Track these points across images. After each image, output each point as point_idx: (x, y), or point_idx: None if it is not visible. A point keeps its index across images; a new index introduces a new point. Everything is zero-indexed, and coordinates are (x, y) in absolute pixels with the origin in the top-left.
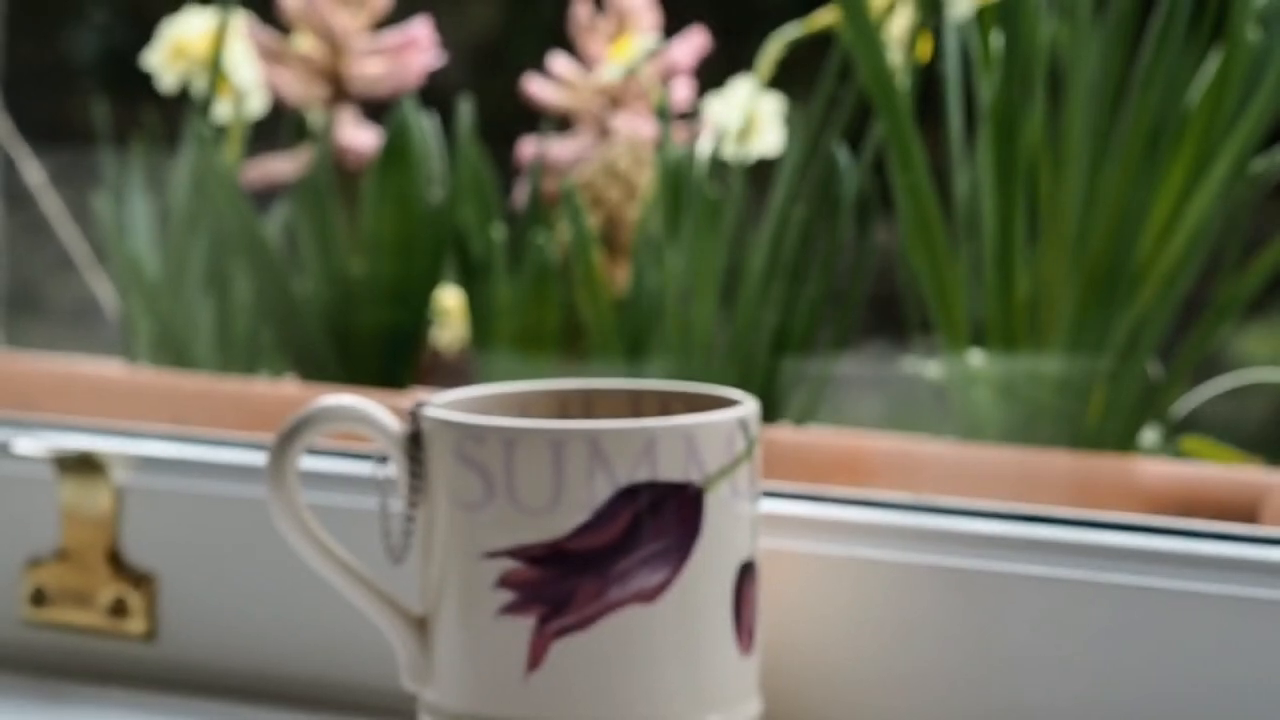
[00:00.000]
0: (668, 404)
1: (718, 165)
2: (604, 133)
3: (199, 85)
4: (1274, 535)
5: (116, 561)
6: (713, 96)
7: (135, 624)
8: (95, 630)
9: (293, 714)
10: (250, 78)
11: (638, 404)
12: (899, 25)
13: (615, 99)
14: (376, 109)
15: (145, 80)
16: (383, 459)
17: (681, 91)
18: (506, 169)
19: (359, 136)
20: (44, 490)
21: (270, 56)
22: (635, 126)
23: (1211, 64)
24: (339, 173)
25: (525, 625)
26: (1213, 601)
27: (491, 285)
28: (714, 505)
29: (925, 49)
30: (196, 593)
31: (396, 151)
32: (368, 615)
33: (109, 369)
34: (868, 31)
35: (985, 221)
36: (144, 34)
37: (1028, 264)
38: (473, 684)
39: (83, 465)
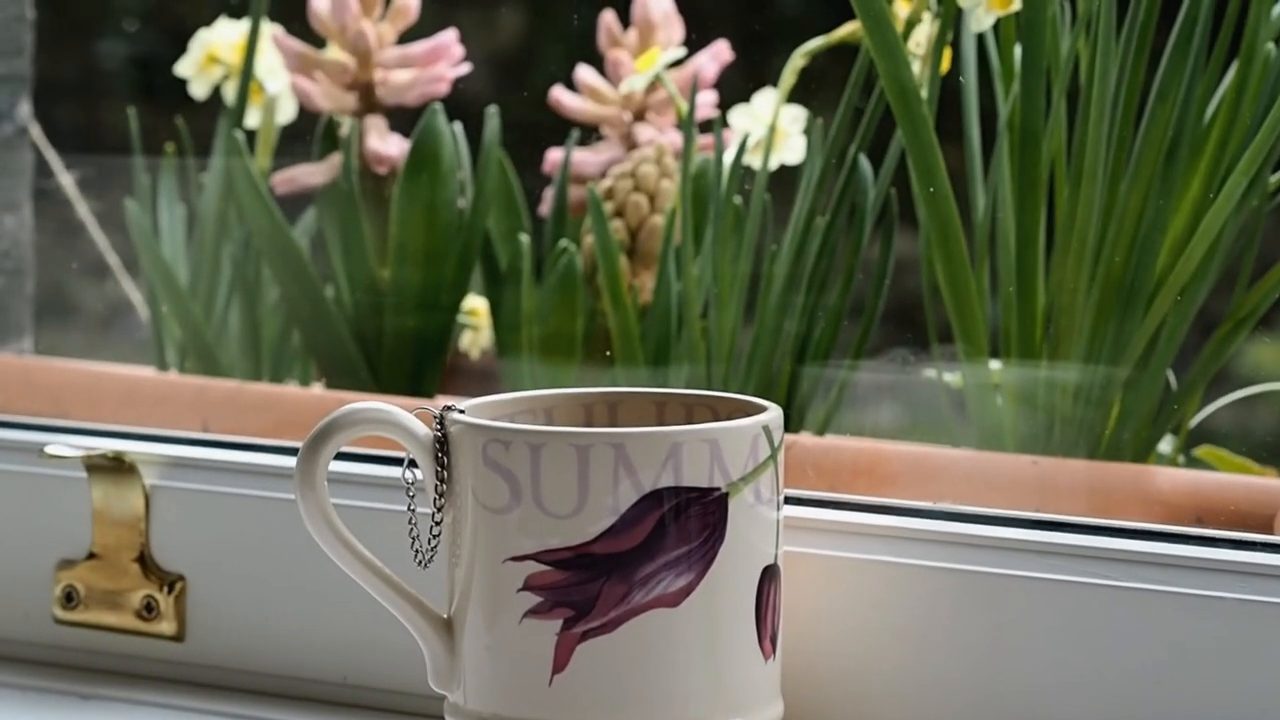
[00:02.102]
0: (692, 410)
1: (741, 175)
2: (629, 143)
3: (230, 93)
4: None
5: (146, 563)
6: (736, 107)
7: (165, 625)
8: (125, 631)
9: (320, 714)
10: (280, 86)
11: (662, 410)
12: (921, 37)
13: (640, 109)
14: (404, 117)
15: (177, 88)
16: (410, 463)
17: (705, 102)
18: (533, 178)
19: (387, 145)
20: (75, 492)
21: (300, 65)
22: (660, 137)
23: (1229, 78)
24: (367, 180)
25: (550, 628)
26: (1228, 607)
27: (517, 292)
28: (738, 510)
29: (946, 61)
30: (225, 594)
31: (424, 160)
32: (395, 617)
33: (139, 374)
34: (890, 43)
35: (1004, 232)
36: (175, 42)
37: (1046, 274)
38: (498, 686)
39: (114, 468)
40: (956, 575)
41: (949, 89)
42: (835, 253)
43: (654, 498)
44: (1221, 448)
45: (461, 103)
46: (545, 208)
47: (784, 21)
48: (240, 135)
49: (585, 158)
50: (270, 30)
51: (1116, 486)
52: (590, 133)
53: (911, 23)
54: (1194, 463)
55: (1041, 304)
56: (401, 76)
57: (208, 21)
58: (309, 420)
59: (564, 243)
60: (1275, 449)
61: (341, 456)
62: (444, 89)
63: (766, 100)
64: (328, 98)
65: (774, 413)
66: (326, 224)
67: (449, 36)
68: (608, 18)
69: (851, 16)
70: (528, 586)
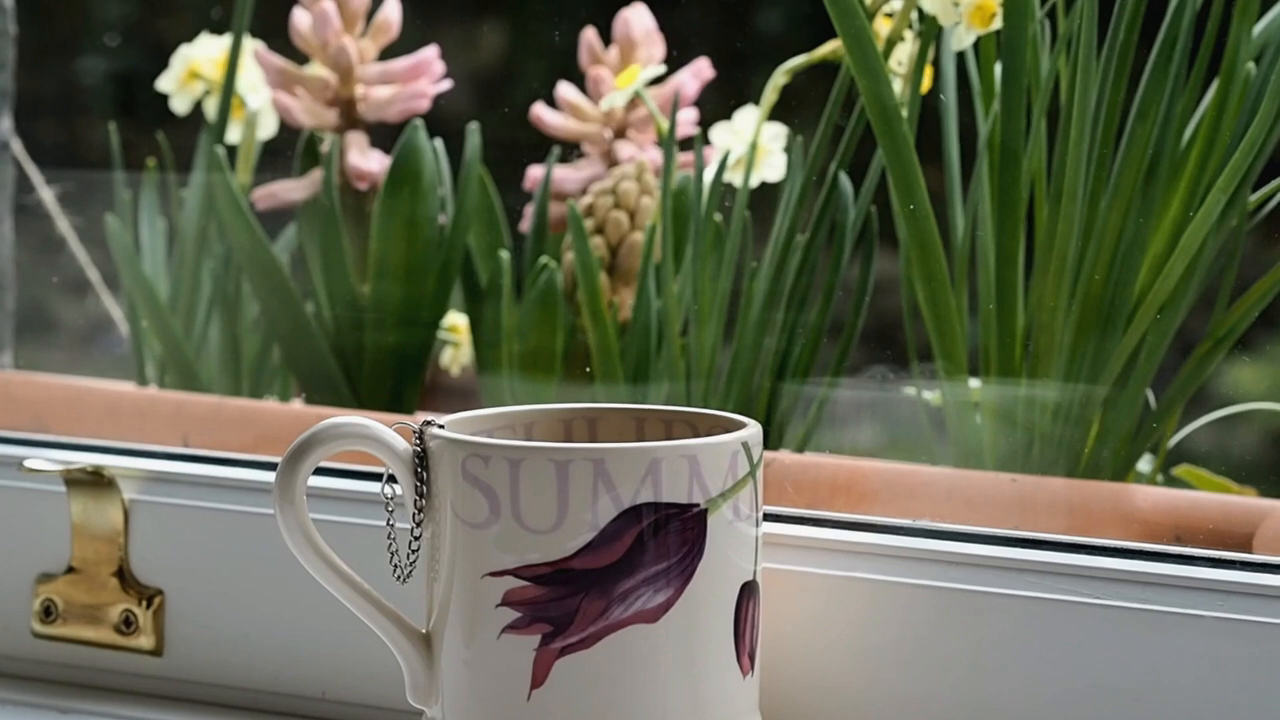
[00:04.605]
0: (671, 426)
1: (721, 192)
2: (610, 160)
3: (211, 109)
4: (1266, 561)
5: (125, 577)
6: (717, 124)
7: (143, 639)
8: (104, 645)
9: None
10: (261, 102)
11: (642, 426)
12: (902, 56)
13: (621, 126)
14: (385, 133)
15: (158, 103)
16: (390, 478)
17: (686, 119)
18: (513, 195)
19: (368, 161)
20: (55, 506)
21: (281, 81)
22: (640, 154)
23: (1209, 97)
24: (348, 196)
25: (529, 644)
26: (1207, 625)
27: (498, 309)
28: (717, 526)
29: (927, 80)
30: (204, 608)
31: (405, 176)
32: (374, 632)
33: (120, 389)
34: (871, 61)
35: (984, 250)
36: (157, 57)
37: (1026, 293)
38: (476, 701)
39: (93, 482)
40: (935, 592)
41: (929, 107)
42: (815, 270)
43: (633, 513)
44: (1200, 466)
45: (442, 119)
46: (526, 224)
47: (765, 39)
48: (221, 151)
49: (566, 174)
50: (252, 46)
51: (1095, 505)
52: (571, 150)
53: (892, 41)
54: (1173, 481)
55: (1021, 322)
56: (383, 92)
57: (189, 37)
58: (289, 435)
59: (544, 259)
60: (1254, 468)
61: (321, 471)
62: (425, 105)
63: (747, 118)
64: (309, 113)
65: (753, 429)
66: (307, 240)
67: (430, 53)
68: (589, 35)
69: (832, 35)
70: (506, 602)
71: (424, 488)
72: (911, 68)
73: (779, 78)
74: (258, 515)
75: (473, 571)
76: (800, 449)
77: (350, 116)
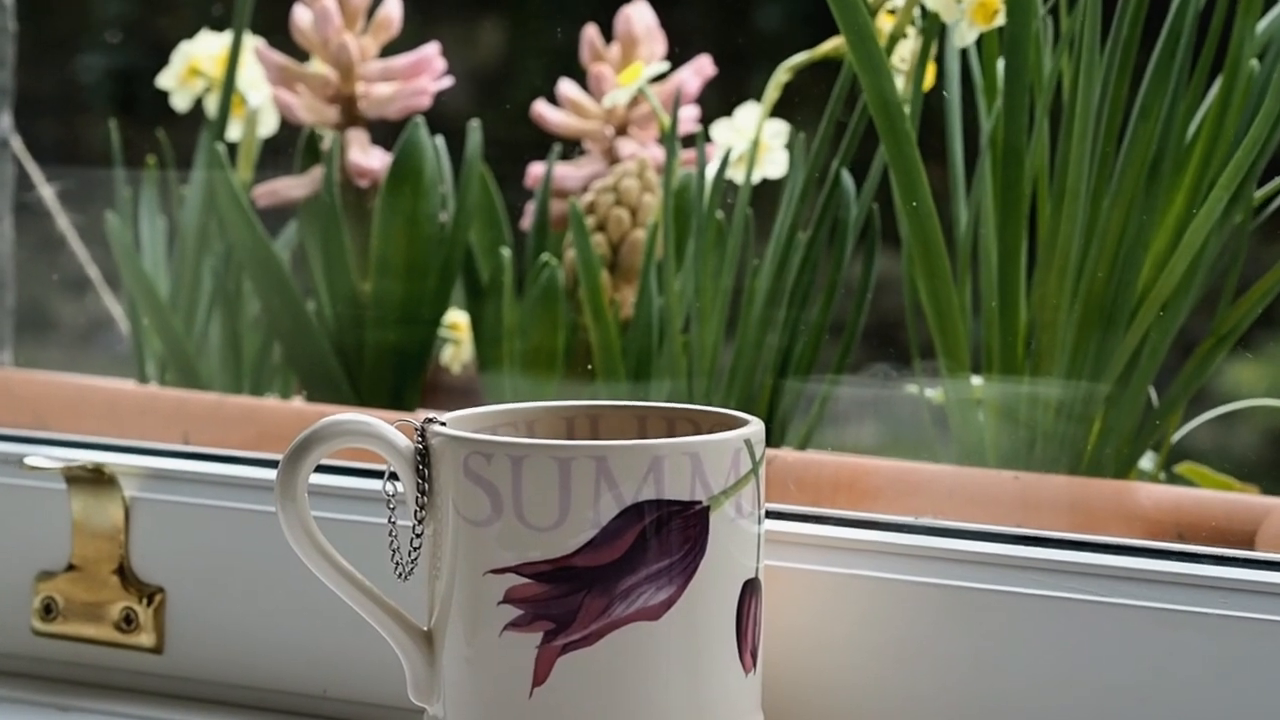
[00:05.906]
0: (673, 424)
1: (723, 189)
2: (611, 157)
3: (211, 106)
4: (1269, 559)
5: (126, 575)
6: (719, 121)
7: (144, 637)
8: (104, 643)
9: None
10: (262, 99)
11: (644, 423)
12: (904, 52)
13: (622, 124)
14: (386, 131)
15: (158, 101)
16: (391, 475)
17: (688, 116)
18: (515, 192)
19: (369, 158)
20: (55, 504)
21: (282, 78)
22: (642, 151)
23: (1212, 94)
24: (349, 193)
25: (531, 641)
26: (1209, 622)
27: (499, 306)
28: (719, 524)
29: (930, 77)
30: (205, 606)
31: (406, 173)
32: (375, 630)
33: (120, 386)
34: (874, 58)
35: (987, 248)
36: (157, 55)
37: (1028, 290)
38: (478, 699)
39: (94, 479)
40: (938, 590)
41: (932, 104)
42: (817, 268)
43: (635, 511)
44: (1203, 464)
45: (443, 116)
46: (527, 222)
47: (767, 36)
48: (222, 148)
49: (567, 172)
50: (252, 43)
51: (1098, 502)
52: (572, 147)
53: (895, 38)
54: (1175, 479)
55: (1023, 320)
56: (383, 90)
57: (190, 34)
58: (290, 433)
59: (545, 257)
60: (1256, 465)
61: (322, 469)
62: (426, 102)
63: (749, 114)
64: (309, 110)
65: (755, 426)
66: (308, 237)
67: (431, 50)
68: (590, 32)
69: (835, 31)
70: (508, 599)
71: (426, 485)
72: (914, 64)
73: (781, 75)
74: (259, 513)
75: (474, 569)
76: (802, 446)
77: (351, 114)
